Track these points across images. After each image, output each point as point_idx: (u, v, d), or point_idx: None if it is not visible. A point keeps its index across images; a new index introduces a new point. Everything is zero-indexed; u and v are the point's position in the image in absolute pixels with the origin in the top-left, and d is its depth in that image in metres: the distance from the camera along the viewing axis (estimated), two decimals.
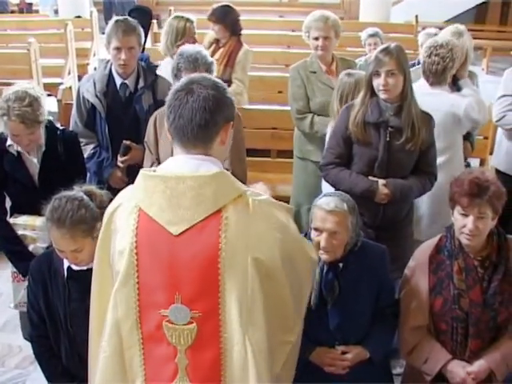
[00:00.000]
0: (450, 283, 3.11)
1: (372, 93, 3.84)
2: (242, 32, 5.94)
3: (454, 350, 3.16)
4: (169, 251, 2.20)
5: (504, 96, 5.00)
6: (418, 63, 6.12)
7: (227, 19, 5.83)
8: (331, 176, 3.99)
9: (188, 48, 4.00)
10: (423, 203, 4.41)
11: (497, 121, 5.06)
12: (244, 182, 3.98)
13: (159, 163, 4.03)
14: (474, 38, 5.67)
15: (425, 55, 4.45)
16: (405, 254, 3.88)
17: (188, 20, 5.05)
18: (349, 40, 8.79)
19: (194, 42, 5.09)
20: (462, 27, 4.98)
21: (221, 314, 2.22)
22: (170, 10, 11.70)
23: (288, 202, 4.90)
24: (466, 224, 3.02)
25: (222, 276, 2.18)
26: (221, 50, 5.82)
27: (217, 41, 5.92)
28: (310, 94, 4.97)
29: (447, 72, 4.42)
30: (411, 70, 5.43)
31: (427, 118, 3.89)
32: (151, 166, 4.04)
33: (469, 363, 3.13)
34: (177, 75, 3.83)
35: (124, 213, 2.29)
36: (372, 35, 6.64)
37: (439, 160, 4.26)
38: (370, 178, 3.88)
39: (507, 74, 5.11)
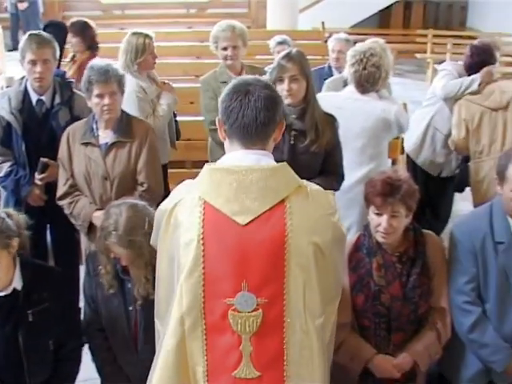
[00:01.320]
0: (370, 280, 3.18)
1: None
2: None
3: (378, 345, 3.22)
4: (236, 241, 2.28)
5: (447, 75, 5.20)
6: (329, 67, 6.25)
7: (86, 32, 6.01)
8: None
9: (98, 61, 4.04)
10: (354, 212, 4.42)
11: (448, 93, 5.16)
12: (160, 194, 3.96)
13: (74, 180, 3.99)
14: None
15: (358, 68, 4.39)
16: None
17: (147, 36, 4.90)
18: (257, 48, 8.83)
19: (155, 57, 5.00)
20: (381, 41, 4.98)
21: (285, 300, 2.30)
22: None
23: None
24: (380, 223, 3.11)
25: (288, 262, 2.28)
26: (74, 66, 5.92)
27: (73, 57, 6.03)
28: None
29: (381, 79, 4.45)
30: (330, 80, 5.57)
31: (330, 119, 3.93)
32: (65, 183, 4.00)
33: (393, 356, 3.20)
34: (88, 88, 3.84)
35: (187, 206, 2.35)
36: (280, 43, 6.67)
37: (368, 168, 4.31)
38: None
39: (452, 66, 5.35)
